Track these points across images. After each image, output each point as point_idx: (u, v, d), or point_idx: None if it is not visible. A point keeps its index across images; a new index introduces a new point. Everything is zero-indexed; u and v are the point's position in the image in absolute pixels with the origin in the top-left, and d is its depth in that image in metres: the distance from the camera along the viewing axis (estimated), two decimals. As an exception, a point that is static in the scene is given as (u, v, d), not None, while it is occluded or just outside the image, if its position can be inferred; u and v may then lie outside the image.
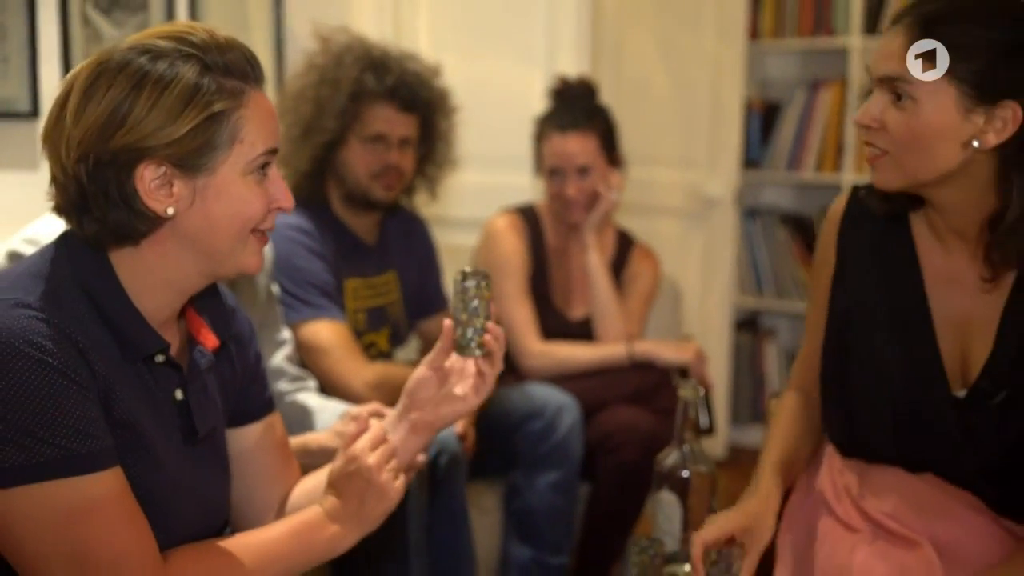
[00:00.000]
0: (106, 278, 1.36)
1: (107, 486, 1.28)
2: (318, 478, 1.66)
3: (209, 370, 1.50)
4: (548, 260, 2.94)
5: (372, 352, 2.60)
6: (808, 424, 1.85)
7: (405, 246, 2.74)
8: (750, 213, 4.41)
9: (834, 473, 1.76)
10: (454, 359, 1.66)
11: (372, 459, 1.55)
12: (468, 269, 1.64)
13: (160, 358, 1.41)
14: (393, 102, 2.52)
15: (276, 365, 2.25)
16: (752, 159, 4.37)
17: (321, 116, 2.48)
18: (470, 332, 1.62)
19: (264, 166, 1.39)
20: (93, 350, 1.30)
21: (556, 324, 2.89)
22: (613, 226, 3.02)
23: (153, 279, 1.38)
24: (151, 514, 1.35)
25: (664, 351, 2.79)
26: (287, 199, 1.43)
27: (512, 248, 2.87)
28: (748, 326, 4.52)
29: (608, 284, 2.87)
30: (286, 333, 2.30)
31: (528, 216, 2.95)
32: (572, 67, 3.33)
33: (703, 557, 1.67)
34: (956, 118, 1.51)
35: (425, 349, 2.81)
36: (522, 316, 2.82)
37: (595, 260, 2.86)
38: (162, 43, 1.33)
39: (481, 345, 1.62)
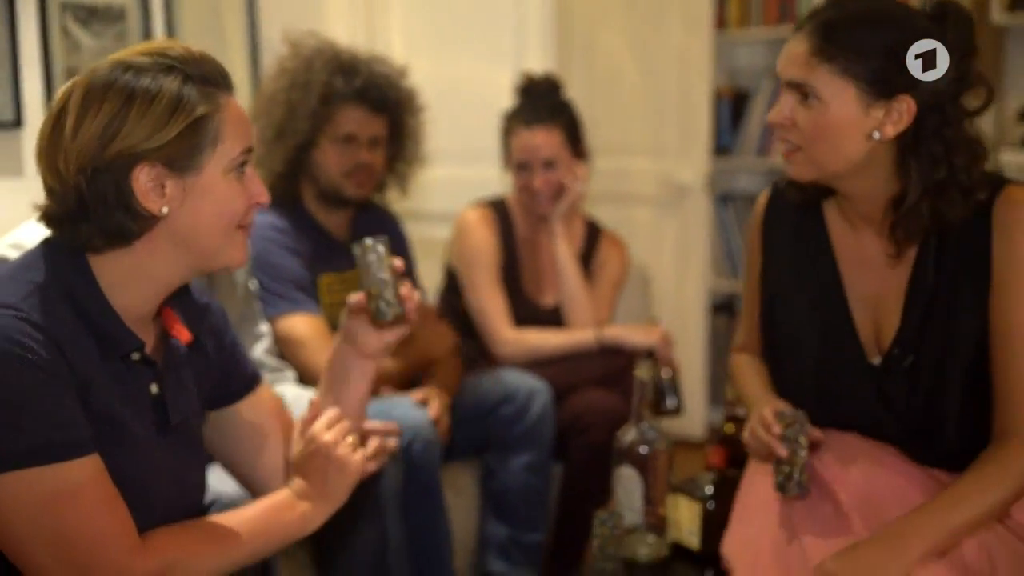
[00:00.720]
0: (86, 281, 1.46)
1: (85, 472, 1.38)
2: (314, 397, 1.82)
3: (183, 363, 1.61)
4: (519, 250, 3.05)
5: (349, 344, 2.70)
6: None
7: (378, 240, 2.83)
8: (722, 199, 4.52)
9: None
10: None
11: (328, 436, 1.69)
12: (366, 240, 1.69)
13: (136, 356, 1.51)
14: (362, 103, 2.62)
15: (255, 357, 2.35)
16: (723, 146, 4.47)
17: (293, 119, 2.58)
18: (382, 304, 1.68)
19: (242, 164, 1.50)
20: (71, 347, 1.40)
21: (528, 312, 3.00)
22: (582, 216, 3.13)
23: (136, 279, 1.48)
24: (131, 498, 1.44)
25: (631, 335, 2.90)
26: (264, 194, 1.55)
27: (483, 240, 2.98)
28: (724, 309, 4.62)
29: (576, 272, 2.97)
30: (264, 327, 2.40)
31: (498, 209, 3.05)
32: (539, 64, 3.44)
33: (776, 417, 1.77)
34: (858, 113, 1.65)
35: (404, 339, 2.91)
36: (494, 305, 2.93)
37: (563, 249, 2.97)
38: (142, 59, 1.44)
39: (399, 312, 1.70)
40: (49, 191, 1.45)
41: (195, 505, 1.65)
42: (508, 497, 2.70)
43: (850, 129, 1.66)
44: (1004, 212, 1.66)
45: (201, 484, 1.67)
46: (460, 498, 2.69)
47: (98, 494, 1.39)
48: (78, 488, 1.37)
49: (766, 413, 1.79)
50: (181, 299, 1.62)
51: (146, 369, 1.53)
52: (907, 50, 1.63)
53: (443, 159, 3.30)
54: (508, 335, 2.91)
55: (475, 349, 2.96)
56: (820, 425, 1.83)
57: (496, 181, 3.19)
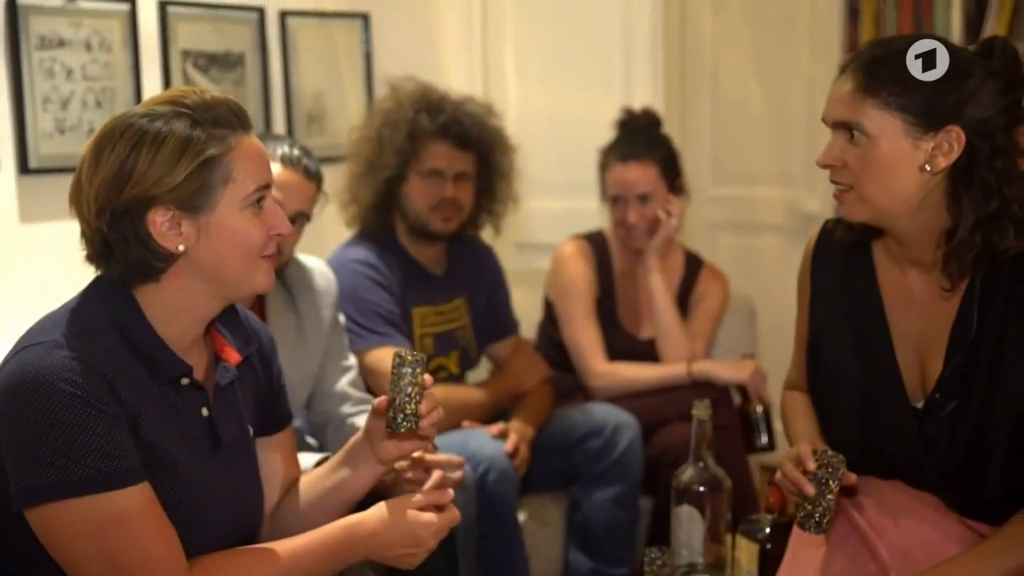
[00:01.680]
0: (133, 313, 1.57)
1: (133, 500, 1.48)
2: (326, 466, 1.83)
3: (233, 384, 1.70)
4: (615, 283, 3.08)
5: (442, 375, 2.78)
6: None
7: (472, 273, 2.92)
8: (853, 228, 4.42)
9: None
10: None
11: (433, 538, 1.68)
12: (405, 353, 1.69)
13: (185, 381, 1.61)
14: (446, 139, 2.72)
15: (341, 389, 2.46)
16: (853, 174, 4.37)
17: (382, 154, 2.70)
18: (400, 417, 1.67)
19: (259, 200, 1.58)
20: (122, 380, 1.51)
21: (625, 345, 3.02)
22: (681, 248, 3.14)
23: (174, 310, 1.58)
24: (184, 521, 1.54)
25: (722, 370, 2.88)
26: (284, 226, 1.61)
27: (579, 272, 3.02)
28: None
29: (670, 306, 2.98)
30: (351, 360, 2.52)
31: (596, 242, 3.09)
32: (647, 96, 3.47)
33: (812, 455, 1.74)
34: (907, 146, 1.64)
35: (496, 371, 2.99)
36: (588, 337, 2.97)
37: (658, 283, 2.98)
38: (159, 107, 1.54)
39: (411, 427, 1.67)
40: (81, 234, 1.58)
41: (252, 522, 1.74)
42: (593, 530, 2.73)
43: (901, 163, 1.65)
44: None
45: (258, 500, 1.75)
46: (545, 529, 2.74)
47: (146, 520, 1.49)
48: (126, 515, 1.47)
49: (803, 449, 1.77)
50: (229, 322, 1.71)
51: (196, 393, 1.63)
52: (951, 79, 1.62)
53: (547, 191, 3.37)
54: (601, 368, 2.94)
55: (571, 382, 3.00)
56: (862, 469, 1.80)
57: (597, 214, 3.23)
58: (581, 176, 3.59)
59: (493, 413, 2.73)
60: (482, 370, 3.03)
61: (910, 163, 1.65)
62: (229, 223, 1.55)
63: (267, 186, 1.60)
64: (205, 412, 1.64)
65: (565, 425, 2.79)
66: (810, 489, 1.72)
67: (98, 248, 1.56)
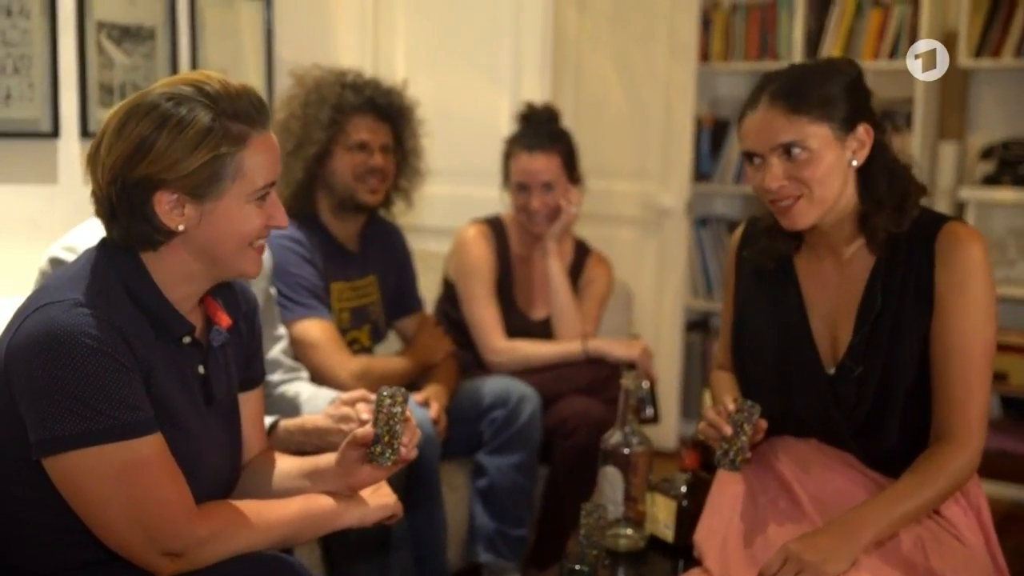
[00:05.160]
0: (140, 275, 1.67)
1: (150, 448, 1.59)
2: (299, 462, 1.93)
3: (223, 346, 1.82)
4: (513, 266, 3.28)
5: (355, 347, 2.92)
6: None
7: (383, 252, 3.06)
8: (701, 222, 4.77)
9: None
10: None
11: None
12: (392, 391, 1.77)
13: (187, 339, 1.72)
14: (371, 112, 2.86)
15: (273, 357, 2.56)
16: (702, 172, 4.73)
17: (309, 130, 2.81)
18: (388, 452, 1.77)
19: (264, 196, 1.69)
20: (135, 337, 1.61)
21: (520, 324, 3.23)
22: (572, 236, 3.36)
23: (176, 277, 1.69)
24: (186, 468, 1.65)
25: (614, 348, 3.13)
26: (282, 219, 1.74)
27: (481, 254, 3.21)
28: (699, 326, 4.87)
29: (566, 288, 3.21)
30: (282, 329, 2.62)
31: (495, 226, 3.28)
32: (535, 89, 3.67)
33: (732, 402, 2.02)
34: (839, 149, 1.96)
35: (403, 344, 3.14)
36: (488, 316, 3.16)
37: (555, 266, 3.20)
38: (185, 89, 1.64)
39: (395, 459, 1.78)
40: (92, 193, 1.67)
41: (234, 476, 1.87)
42: (497, 494, 2.93)
43: (838, 164, 1.95)
44: (946, 245, 1.93)
45: (239, 454, 1.88)
46: (453, 493, 2.91)
47: (161, 466, 1.60)
48: (144, 462, 1.58)
49: (726, 398, 2.05)
50: (221, 286, 1.82)
51: (195, 351, 1.74)
52: (856, 88, 1.97)
53: (444, 177, 3.52)
54: (501, 345, 3.13)
55: (470, 357, 3.18)
56: (781, 430, 2.08)
57: (494, 200, 3.41)
58: (468, 163, 3.78)
59: (405, 384, 2.88)
60: (389, 343, 3.17)
61: (842, 162, 1.96)
62: (232, 212, 1.66)
63: (274, 182, 1.71)
64: (201, 370, 1.76)
65: (472, 396, 2.96)
66: (728, 429, 1.99)
67: (105, 210, 1.66)
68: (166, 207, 1.62)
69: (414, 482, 2.58)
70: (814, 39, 4.40)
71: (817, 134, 1.93)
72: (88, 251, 1.71)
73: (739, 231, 2.24)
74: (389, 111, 2.91)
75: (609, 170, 4.50)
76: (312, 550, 2.48)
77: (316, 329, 2.73)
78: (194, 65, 3.28)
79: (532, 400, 2.96)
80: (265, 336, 2.56)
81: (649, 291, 4.51)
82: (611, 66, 4.54)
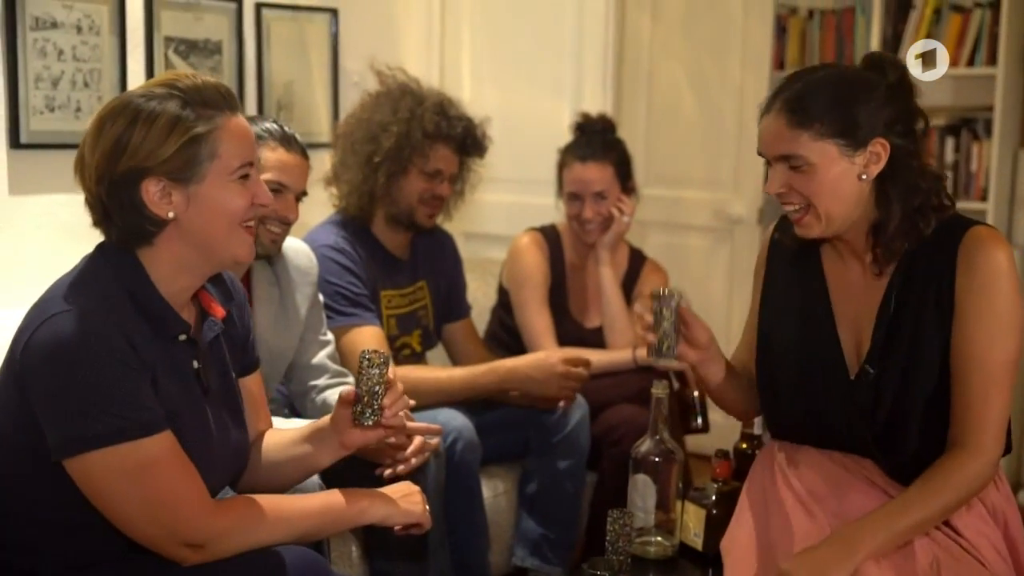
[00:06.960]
0: (139, 275, 1.74)
1: (163, 446, 1.66)
2: (292, 433, 2.00)
3: (219, 337, 1.88)
4: (567, 274, 3.31)
5: (406, 352, 2.99)
6: (748, 378, 2.22)
7: (434, 258, 3.13)
8: (774, 231, 4.72)
9: (774, 451, 2.13)
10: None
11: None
12: (371, 354, 1.82)
13: (183, 337, 1.79)
14: (455, 146, 2.95)
15: (319, 362, 2.63)
16: (776, 180, 4.67)
17: (392, 144, 2.87)
18: (368, 412, 1.84)
19: (244, 175, 1.76)
20: (138, 339, 1.67)
21: (573, 332, 3.25)
22: (627, 244, 3.38)
23: (172, 270, 1.75)
24: (192, 459, 1.70)
25: (665, 357, 3.13)
26: (266, 197, 1.80)
27: (533, 262, 3.24)
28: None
29: (618, 296, 3.22)
30: (329, 335, 2.69)
31: (549, 235, 3.32)
32: (597, 100, 3.70)
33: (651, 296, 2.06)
34: (845, 164, 1.91)
35: (449, 350, 3.21)
36: (541, 324, 3.19)
37: (608, 275, 3.22)
38: (156, 88, 1.72)
39: (377, 420, 1.84)
40: (85, 200, 1.75)
41: (240, 465, 1.92)
42: (544, 499, 2.95)
43: (843, 179, 1.91)
44: (969, 249, 1.89)
45: (245, 444, 1.93)
46: (499, 498, 2.95)
47: (175, 462, 1.67)
48: (159, 458, 1.65)
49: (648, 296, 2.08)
50: (213, 280, 1.90)
51: (189, 348, 1.81)
52: (878, 100, 1.90)
53: (504, 186, 3.57)
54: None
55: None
56: (803, 435, 2.07)
57: (550, 209, 3.45)
58: (528, 173, 3.82)
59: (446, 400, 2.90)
60: (441, 349, 3.23)
61: (850, 176, 1.91)
62: (216, 193, 1.73)
63: (251, 163, 1.77)
64: (195, 364, 1.82)
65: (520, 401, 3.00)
66: (649, 317, 2.03)
67: (99, 213, 1.74)
68: (154, 196, 1.69)
69: (453, 485, 2.63)
70: (891, 46, 4.32)
71: (819, 149, 1.89)
72: (87, 256, 1.79)
73: (768, 233, 2.21)
74: (471, 149, 3.00)
75: (681, 178, 4.50)
76: (346, 543, 2.54)
77: (362, 336, 2.75)
78: (260, 78, 3.39)
79: (580, 406, 2.98)
80: (311, 340, 2.64)
81: (720, 298, 4.49)
82: (683, 74, 4.53)
